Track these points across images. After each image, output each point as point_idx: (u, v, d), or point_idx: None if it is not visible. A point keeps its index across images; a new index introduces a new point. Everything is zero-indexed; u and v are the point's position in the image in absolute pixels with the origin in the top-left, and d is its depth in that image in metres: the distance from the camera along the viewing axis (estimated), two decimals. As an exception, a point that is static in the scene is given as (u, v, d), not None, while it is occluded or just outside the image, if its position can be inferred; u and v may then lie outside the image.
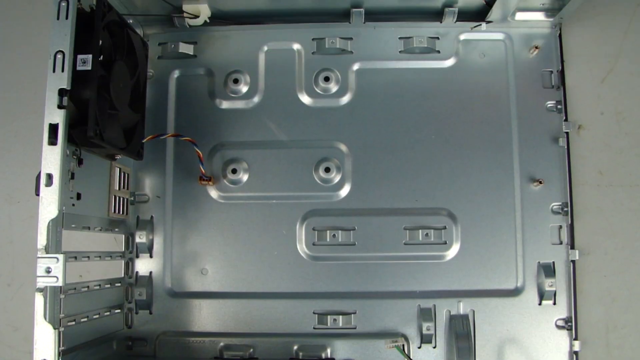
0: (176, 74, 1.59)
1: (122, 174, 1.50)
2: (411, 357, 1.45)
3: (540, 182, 1.49)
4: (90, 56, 1.15)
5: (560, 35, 1.57)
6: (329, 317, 1.48)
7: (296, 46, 1.59)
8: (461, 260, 1.49)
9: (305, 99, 1.57)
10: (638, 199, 1.56)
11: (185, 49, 1.58)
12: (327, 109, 1.57)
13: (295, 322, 1.49)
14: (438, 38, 1.58)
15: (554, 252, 1.49)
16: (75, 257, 1.30)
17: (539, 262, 1.48)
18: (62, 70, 1.10)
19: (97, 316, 1.37)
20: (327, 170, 1.53)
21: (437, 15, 1.58)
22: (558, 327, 1.47)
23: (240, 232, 1.52)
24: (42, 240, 1.07)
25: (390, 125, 1.55)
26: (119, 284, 1.50)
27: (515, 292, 1.48)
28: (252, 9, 1.57)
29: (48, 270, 1.06)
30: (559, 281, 1.47)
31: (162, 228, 1.54)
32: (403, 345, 1.45)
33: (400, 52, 1.58)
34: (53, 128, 1.09)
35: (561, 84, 1.54)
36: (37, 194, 1.09)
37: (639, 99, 1.60)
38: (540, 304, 1.47)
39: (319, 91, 1.57)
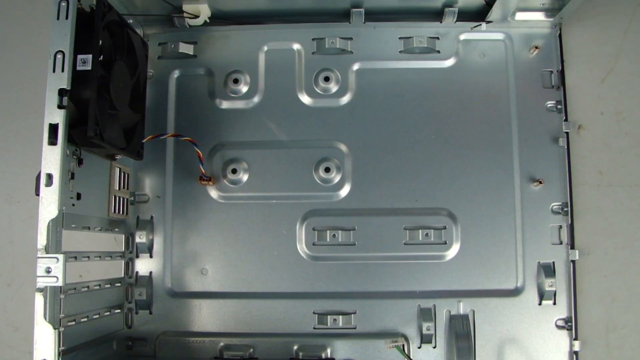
0: (176, 74, 1.59)
1: (122, 174, 1.50)
2: (411, 357, 1.45)
3: (540, 182, 1.49)
4: (90, 56, 1.15)
5: (560, 35, 1.57)
6: (329, 317, 1.48)
7: (296, 46, 1.59)
8: (461, 260, 1.49)
9: (305, 99, 1.57)
10: (638, 199, 1.56)
11: (185, 49, 1.58)
12: (327, 109, 1.57)
13: (295, 322, 1.49)
14: (438, 38, 1.58)
15: (554, 252, 1.49)
16: (75, 257, 1.30)
17: (539, 262, 1.48)
18: (62, 70, 1.10)
19: (97, 316, 1.37)
20: (327, 170, 1.53)
21: (437, 15, 1.58)
22: (558, 327, 1.47)
23: (240, 232, 1.52)
24: (42, 240, 1.07)
25: (390, 125, 1.55)
26: (119, 284, 1.50)
27: (515, 292, 1.48)
28: (252, 9, 1.57)
29: (48, 270, 1.06)
30: (559, 281, 1.47)
31: (162, 228, 1.54)
32: (403, 345, 1.45)
33: (400, 52, 1.58)
34: (53, 128, 1.09)
35: (561, 84, 1.54)
36: (37, 194, 1.09)
37: (639, 99, 1.60)
38: (540, 304, 1.47)
39: (319, 91, 1.57)
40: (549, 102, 1.54)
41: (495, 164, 1.52)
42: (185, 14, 1.52)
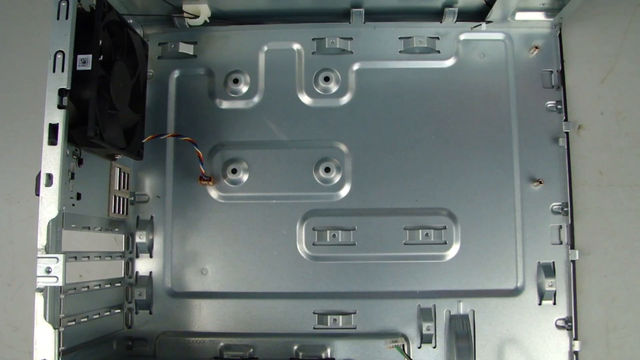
0: (176, 74, 1.59)
1: (122, 174, 1.50)
2: (411, 357, 1.45)
3: (540, 182, 1.49)
4: (90, 56, 1.15)
5: (560, 35, 1.57)
6: (329, 317, 1.48)
7: (296, 46, 1.59)
8: (461, 260, 1.49)
9: (305, 99, 1.57)
10: (638, 199, 1.56)
11: (185, 49, 1.58)
12: (327, 109, 1.57)
13: (295, 322, 1.49)
14: (438, 38, 1.58)
15: (554, 252, 1.49)
16: (75, 257, 1.30)
17: (539, 262, 1.48)
18: (62, 70, 1.10)
19: (97, 316, 1.37)
20: (327, 170, 1.53)
21: (437, 15, 1.58)
22: (558, 327, 1.47)
23: (240, 232, 1.52)
24: (42, 240, 1.07)
25: (390, 125, 1.55)
26: (119, 284, 1.50)
27: (515, 292, 1.48)
28: (252, 9, 1.57)
29: (48, 270, 1.06)
30: (559, 281, 1.47)
31: (162, 228, 1.54)
32: (403, 345, 1.45)
33: (400, 52, 1.58)
34: (53, 128, 1.09)
35: (561, 84, 1.54)
36: (37, 194, 1.09)
37: (639, 99, 1.60)
38: (540, 304, 1.47)
39: (319, 91, 1.57)
40: (549, 102, 1.54)
41: (495, 164, 1.52)
42: (185, 14, 1.52)
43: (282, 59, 1.59)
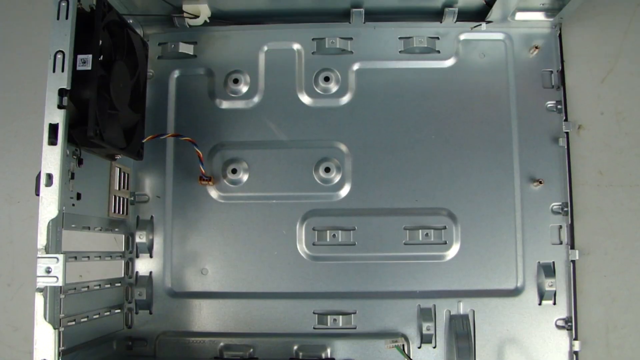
0: (176, 74, 1.59)
1: (122, 174, 1.50)
2: (411, 357, 1.45)
3: (540, 182, 1.49)
4: (90, 56, 1.15)
5: (560, 35, 1.57)
6: (329, 317, 1.48)
7: (296, 46, 1.59)
8: (461, 260, 1.49)
9: (305, 99, 1.57)
10: (638, 199, 1.56)
11: (185, 49, 1.58)
12: (327, 109, 1.57)
13: (295, 322, 1.49)
14: (438, 38, 1.58)
15: (554, 252, 1.49)
16: (75, 257, 1.30)
17: (539, 262, 1.48)
18: (62, 70, 1.10)
19: (97, 316, 1.37)
20: (327, 170, 1.53)
21: (437, 15, 1.58)
22: (558, 327, 1.47)
23: (240, 232, 1.52)
24: (42, 240, 1.07)
25: (390, 125, 1.55)
26: (119, 284, 1.50)
27: (515, 292, 1.48)
28: (252, 9, 1.57)
29: (48, 270, 1.06)
30: (559, 281, 1.47)
31: (162, 228, 1.54)
32: (403, 345, 1.45)
33: (400, 52, 1.58)
34: (53, 128, 1.09)
35: (561, 84, 1.54)
36: (37, 194, 1.09)
37: (639, 99, 1.60)
38: (540, 304, 1.47)
39: (319, 91, 1.57)
40: (549, 102, 1.54)
41: (495, 164, 1.52)
42: (185, 14, 1.52)
43: (282, 59, 1.59)
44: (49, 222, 1.07)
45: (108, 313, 1.43)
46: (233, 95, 1.58)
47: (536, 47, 1.55)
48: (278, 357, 1.46)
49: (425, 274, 1.49)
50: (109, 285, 1.45)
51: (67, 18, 1.11)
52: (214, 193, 1.54)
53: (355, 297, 1.49)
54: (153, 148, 1.54)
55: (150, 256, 1.53)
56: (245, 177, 1.54)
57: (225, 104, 1.58)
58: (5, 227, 1.65)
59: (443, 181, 1.52)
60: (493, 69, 1.56)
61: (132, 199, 1.54)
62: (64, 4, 1.12)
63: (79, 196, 1.27)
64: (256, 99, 1.57)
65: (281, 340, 1.48)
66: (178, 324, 1.50)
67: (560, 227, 1.49)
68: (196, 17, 1.52)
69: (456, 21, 1.57)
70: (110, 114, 1.26)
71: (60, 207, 1.08)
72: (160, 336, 1.50)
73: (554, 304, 1.47)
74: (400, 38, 1.58)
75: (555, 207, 1.50)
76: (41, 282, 1.06)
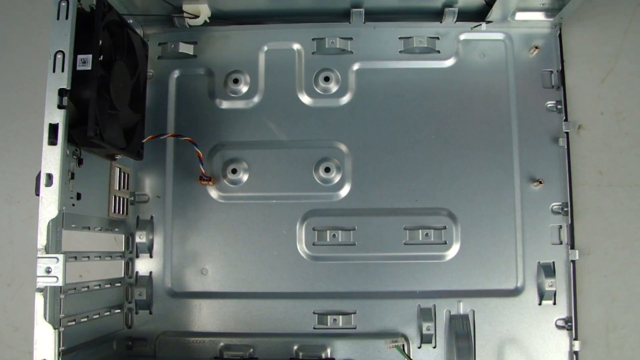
0: (176, 74, 1.59)
1: (122, 174, 1.50)
2: (411, 357, 1.45)
3: (540, 182, 1.49)
4: (90, 56, 1.15)
5: (560, 35, 1.57)
6: (329, 317, 1.48)
7: (296, 46, 1.59)
8: (461, 260, 1.49)
9: (305, 99, 1.57)
10: (638, 199, 1.56)
11: (185, 49, 1.58)
12: (327, 109, 1.57)
13: (295, 322, 1.49)
14: (438, 38, 1.58)
15: (554, 252, 1.49)
16: (75, 257, 1.30)
17: (539, 262, 1.48)
18: (62, 70, 1.10)
19: (97, 316, 1.37)
20: (327, 170, 1.53)
21: (437, 15, 1.58)
22: (558, 327, 1.47)
23: (240, 232, 1.52)
24: (42, 240, 1.07)
25: (390, 125, 1.55)
26: (119, 284, 1.50)
27: (515, 292, 1.48)
28: (252, 9, 1.57)
29: (48, 270, 1.06)
30: (559, 281, 1.47)
31: (162, 228, 1.54)
32: (403, 345, 1.45)
33: (400, 52, 1.58)
34: (53, 128, 1.09)
35: (561, 84, 1.54)
36: (37, 194, 1.09)
37: (639, 99, 1.60)
38: (540, 304, 1.47)
39: (319, 91, 1.57)
40: (549, 102, 1.54)
41: (495, 164, 1.52)
42: (185, 14, 1.52)
43: (282, 59, 1.59)
44: (49, 222, 1.07)
45: (108, 313, 1.43)
46: (233, 95, 1.58)
47: (536, 47, 1.55)
48: (278, 357, 1.46)
49: (425, 274, 1.49)
50: (109, 285, 1.45)
51: (67, 18, 1.11)
52: (214, 193, 1.54)
53: (355, 297, 1.49)
54: (153, 148, 1.54)
55: (150, 256, 1.53)
56: (245, 177, 1.54)
57: (225, 104, 1.58)
58: (5, 227, 1.65)
59: (443, 181, 1.52)
60: (493, 69, 1.56)
61: (132, 199, 1.54)
62: (64, 4, 1.12)
63: (79, 196, 1.27)
64: (256, 99, 1.57)
65: (281, 340, 1.48)
66: (178, 324, 1.50)
67: (560, 227, 1.49)
68: (196, 17, 1.53)
69: (456, 21, 1.57)
70: (110, 114, 1.26)
71: (60, 207, 1.08)
72: (160, 336, 1.50)
73: (554, 304, 1.47)
74: (400, 38, 1.58)
75: (555, 207, 1.50)
76: (41, 282, 1.06)
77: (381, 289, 1.49)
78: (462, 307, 1.47)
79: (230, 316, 1.50)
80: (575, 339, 1.45)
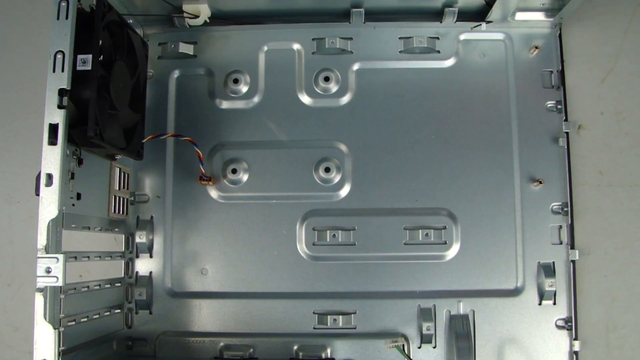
0: (176, 74, 1.59)
1: (122, 174, 1.50)
2: (411, 357, 1.45)
3: (540, 182, 1.49)
4: (90, 56, 1.15)
5: (560, 35, 1.57)
6: (329, 317, 1.48)
7: (296, 46, 1.59)
8: (461, 260, 1.49)
9: (305, 99, 1.57)
10: (638, 199, 1.56)
11: (185, 49, 1.58)
12: (327, 109, 1.57)
13: (295, 322, 1.49)
14: (438, 38, 1.58)
15: (554, 252, 1.49)
16: (75, 257, 1.30)
17: (539, 262, 1.48)
18: (62, 70, 1.10)
19: (97, 316, 1.37)
20: (327, 170, 1.53)
21: (437, 15, 1.58)
22: (558, 327, 1.47)
23: (240, 232, 1.52)
24: (42, 240, 1.07)
25: (390, 125, 1.55)
26: (119, 284, 1.50)
27: (515, 292, 1.48)
28: (252, 9, 1.57)
29: (48, 270, 1.06)
30: (559, 281, 1.47)
31: (162, 228, 1.54)
32: (403, 345, 1.45)
33: (400, 52, 1.58)
34: (53, 128, 1.09)
35: (561, 84, 1.54)
36: (37, 194, 1.09)
37: (639, 99, 1.60)
38: (540, 304, 1.47)
39: (319, 91, 1.57)
40: (549, 102, 1.54)
41: (495, 164, 1.52)
42: (185, 14, 1.52)
43: (282, 59, 1.59)
44: (49, 222, 1.07)
45: (108, 313, 1.43)
46: (233, 95, 1.58)
47: (536, 47, 1.55)
48: (278, 357, 1.46)
49: (425, 274, 1.49)
50: (109, 285, 1.45)
51: (67, 18, 1.11)
52: (214, 193, 1.54)
53: (355, 297, 1.49)
54: (153, 148, 1.54)
55: (150, 256, 1.53)
56: (245, 177, 1.54)
57: (225, 104, 1.58)
58: (5, 227, 1.65)
59: (443, 181, 1.52)
60: (493, 69, 1.56)
61: (132, 199, 1.54)
62: (64, 4, 1.12)
63: (79, 196, 1.27)
64: (256, 99, 1.57)
65: (281, 340, 1.48)
66: (178, 324, 1.50)
67: (560, 227, 1.50)
68: (196, 17, 1.53)
69: (456, 21, 1.57)
70: (110, 114, 1.26)
71: (60, 207, 1.08)
72: (160, 336, 1.50)
73: (554, 304, 1.47)
74: (400, 38, 1.58)
75: (555, 207, 1.50)
76: (41, 282, 1.06)
77: (381, 289, 1.49)
78: (462, 307, 1.47)
79: (230, 316, 1.50)
80: (575, 339, 1.45)
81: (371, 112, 1.56)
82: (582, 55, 1.60)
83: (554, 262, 1.48)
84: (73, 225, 1.24)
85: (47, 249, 1.07)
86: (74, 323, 1.24)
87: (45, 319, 1.06)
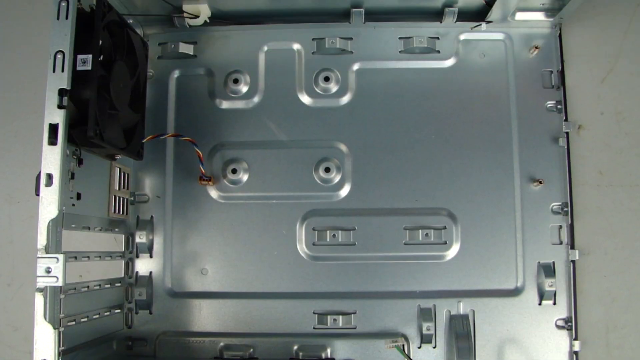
0: (176, 74, 1.59)
1: (122, 174, 1.50)
2: (411, 357, 1.45)
3: (540, 182, 1.49)
4: (90, 56, 1.15)
5: (560, 35, 1.57)
6: (329, 317, 1.48)
7: (296, 46, 1.59)
8: (461, 260, 1.49)
9: (305, 99, 1.57)
10: (638, 199, 1.56)
11: (185, 49, 1.58)
12: (327, 109, 1.57)
13: (295, 322, 1.49)
14: (438, 38, 1.58)
15: (554, 252, 1.49)
16: (75, 257, 1.30)
17: (539, 262, 1.48)
18: (62, 70, 1.10)
19: (97, 316, 1.37)
20: (327, 170, 1.53)
21: (437, 15, 1.58)
22: (558, 327, 1.47)
23: (240, 232, 1.52)
24: (42, 240, 1.07)
25: (390, 125, 1.55)
26: (119, 284, 1.50)
27: (515, 292, 1.48)
28: (252, 9, 1.57)
29: (48, 270, 1.06)
30: (559, 281, 1.47)
31: (162, 228, 1.54)
32: (403, 345, 1.45)
33: (400, 52, 1.58)
34: (53, 128, 1.09)
35: (561, 84, 1.54)
36: (37, 194, 1.09)
37: (639, 99, 1.60)
38: (540, 304, 1.47)
39: (319, 91, 1.57)
40: (549, 102, 1.54)
41: (495, 164, 1.52)
42: (185, 14, 1.52)
43: (282, 59, 1.59)
44: (49, 222, 1.07)
45: (108, 313, 1.43)
46: (233, 95, 1.58)
47: (536, 47, 1.55)
48: (278, 357, 1.46)
49: (425, 274, 1.49)
50: (109, 285, 1.45)
51: (67, 18, 1.11)
52: (214, 193, 1.54)
53: (355, 297, 1.49)
54: (153, 148, 1.54)
55: (150, 256, 1.53)
56: (245, 177, 1.54)
57: (225, 104, 1.58)
58: (5, 227, 1.65)
59: (443, 181, 1.52)
60: (493, 69, 1.56)
61: (132, 199, 1.54)
62: (64, 4, 1.12)
63: (79, 196, 1.27)
64: (256, 99, 1.57)
65: (281, 340, 1.48)
66: (178, 324, 1.50)
67: (560, 227, 1.50)
68: (196, 17, 1.53)
69: (456, 21, 1.57)
70: (110, 114, 1.26)
71: (60, 207, 1.08)
72: (160, 336, 1.50)
73: (554, 304, 1.47)
74: (400, 38, 1.58)
75: (555, 207, 1.50)
76: (41, 282, 1.06)
77: (381, 289, 1.49)
78: (462, 307, 1.47)
79: (230, 316, 1.50)
80: (575, 339, 1.45)
81: (371, 112, 1.56)
82: (582, 55, 1.60)
83: (554, 262, 1.48)
84: (73, 225, 1.24)
85: (47, 249, 1.07)
86: (74, 323, 1.24)
87: (45, 319, 1.06)
